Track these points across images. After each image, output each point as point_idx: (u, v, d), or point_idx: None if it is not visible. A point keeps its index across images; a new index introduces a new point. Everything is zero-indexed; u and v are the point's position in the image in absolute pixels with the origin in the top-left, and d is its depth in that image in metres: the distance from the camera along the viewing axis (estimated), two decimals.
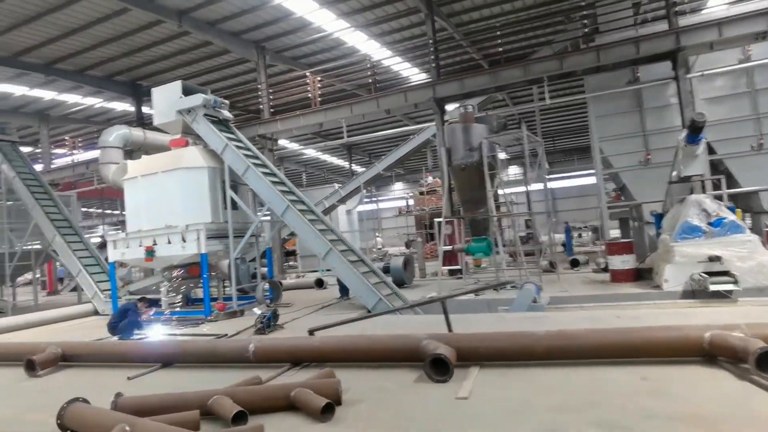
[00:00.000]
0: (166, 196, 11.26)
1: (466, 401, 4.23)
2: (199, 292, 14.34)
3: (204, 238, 10.68)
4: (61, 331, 11.08)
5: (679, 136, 10.03)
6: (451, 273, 15.16)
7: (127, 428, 3.62)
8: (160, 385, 5.62)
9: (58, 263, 22.83)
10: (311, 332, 6.38)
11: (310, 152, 37.52)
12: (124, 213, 38.03)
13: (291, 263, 28.02)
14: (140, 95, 21.79)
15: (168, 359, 6.34)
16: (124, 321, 8.50)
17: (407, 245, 34.03)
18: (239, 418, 3.95)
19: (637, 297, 8.92)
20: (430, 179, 34.19)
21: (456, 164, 11.90)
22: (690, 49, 12.46)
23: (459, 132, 12.04)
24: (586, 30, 14.15)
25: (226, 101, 12.14)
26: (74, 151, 27.05)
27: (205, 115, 11.58)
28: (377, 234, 35.94)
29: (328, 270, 21.96)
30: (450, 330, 5.65)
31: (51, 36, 16.52)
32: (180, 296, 12.77)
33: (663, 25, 13.37)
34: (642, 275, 10.68)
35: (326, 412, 4.00)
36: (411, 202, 35.64)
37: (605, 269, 12.55)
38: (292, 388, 4.34)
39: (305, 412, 4.15)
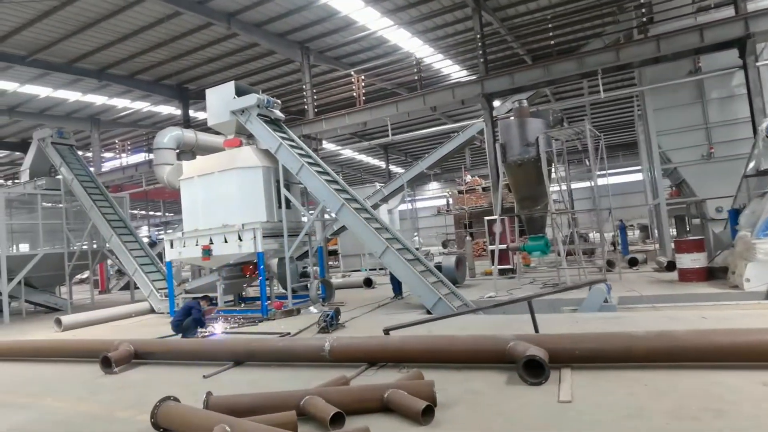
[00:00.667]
0: (222, 195, 11.36)
1: (570, 405, 4.01)
2: (251, 291, 14.50)
3: (261, 237, 10.71)
4: (122, 328, 11.29)
5: (760, 126, 9.48)
6: (502, 272, 14.83)
7: (228, 429, 3.53)
8: (237, 383, 5.58)
9: (109, 263, 23.52)
10: (387, 332, 6.24)
11: (347, 153, 37.57)
12: (167, 214, 38.90)
13: (331, 263, 28.09)
14: (186, 98, 22.18)
15: (240, 357, 6.31)
16: (187, 319, 8.56)
17: (444, 245, 33.71)
18: (336, 420, 3.83)
19: (716, 297, 8.45)
20: (468, 178, 33.78)
21: (512, 160, 11.59)
22: (760, 35, 11.81)
23: (514, 127, 11.73)
24: (645, 19, 13.58)
25: (278, 101, 12.17)
26: (122, 155, 27.81)
27: (258, 114, 11.62)
28: (415, 233, 35.71)
29: (372, 269, 22.02)
30: (536, 331, 5.41)
31: (105, 42, 16.93)
32: (232, 295, 12.92)
33: (727, 12, 12.74)
34: (714, 274, 10.16)
35: (426, 414, 3.84)
36: (450, 201, 35.23)
37: (669, 268, 12.03)
38: (385, 389, 4.19)
39: (402, 414, 4.00)
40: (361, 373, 5.43)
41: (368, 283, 14.72)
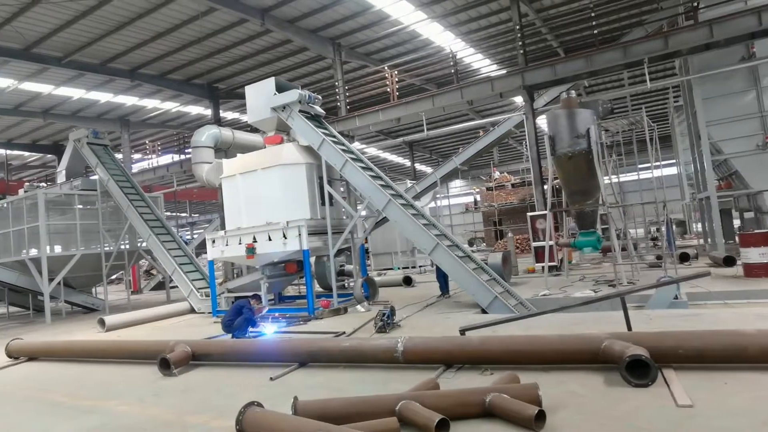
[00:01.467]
0: (265, 193, 11.17)
1: (693, 410, 3.66)
2: (290, 290, 14.32)
3: (306, 235, 10.49)
4: (165, 329, 11.16)
5: None
6: (549, 270, 14.40)
7: None
8: (308, 386, 5.33)
9: (140, 263, 23.62)
10: (463, 332, 5.93)
11: (371, 151, 37.32)
12: (193, 215, 39.04)
13: None
14: (217, 98, 22.15)
15: (304, 358, 6.07)
16: (239, 318, 8.35)
17: (470, 243, 33.21)
18: (440, 427, 3.54)
19: None
20: (497, 174, 33.25)
21: (561, 153, 11.15)
22: None
23: (563, 118, 11.27)
24: (695, 3, 13.02)
25: (319, 97, 11.93)
26: (150, 156, 27.97)
27: (299, 111, 11.40)
28: None
29: (404, 267, 21.71)
30: (629, 328, 5.05)
31: (138, 41, 16.94)
32: (272, 294, 12.75)
33: None
34: None
35: (537, 420, 3.53)
36: (477, 198, 34.74)
37: (728, 263, 11.51)
38: (485, 392, 3.89)
39: (508, 419, 3.70)
40: (440, 375, 5.14)
41: (408, 281, 14.41)
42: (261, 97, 11.84)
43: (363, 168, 10.87)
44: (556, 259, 14.44)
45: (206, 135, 13.71)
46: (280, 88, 11.74)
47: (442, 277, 11.66)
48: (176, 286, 14.55)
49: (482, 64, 23.42)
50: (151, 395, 5.57)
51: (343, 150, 11.08)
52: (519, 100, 25.67)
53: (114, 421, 4.85)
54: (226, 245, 11.74)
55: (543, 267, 14.40)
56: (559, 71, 14.40)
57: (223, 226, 21.50)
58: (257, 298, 8.88)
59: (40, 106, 21.99)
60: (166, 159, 28.00)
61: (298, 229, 10.56)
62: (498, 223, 31.70)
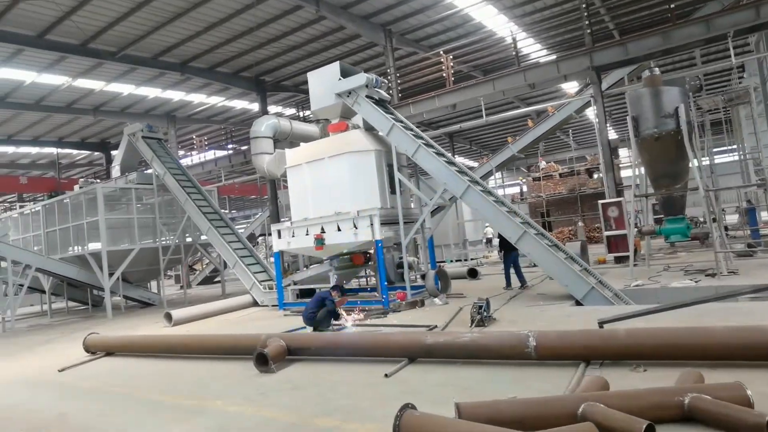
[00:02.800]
0: (334, 181, 10.73)
1: None
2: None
3: (378, 224, 10.01)
4: (232, 322, 10.87)
5: None
6: (618, 260, 13.61)
7: None
8: (433, 384, 4.85)
9: (191, 257, 23.63)
10: (601, 324, 5.34)
11: None
12: (232, 211, 38.97)
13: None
14: (264, 91, 21.90)
15: (416, 353, 5.58)
16: (321, 310, 7.94)
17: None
18: None
19: None
20: (543, 164, 32.23)
21: (647, 134, 10.39)
22: None
23: (648, 97, 10.51)
24: None
25: (385, 81, 11.42)
26: (192, 152, 28.07)
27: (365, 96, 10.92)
28: (486, 223, 34.46)
29: (458, 260, 21.14)
30: None
31: (189, 33, 16.73)
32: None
33: None
34: None
35: None
36: (524, 188, 33.80)
37: None
38: (682, 393, 3.31)
39: (721, 427, 3.11)
40: (583, 373, 4.57)
41: (473, 273, 13.81)
42: (324, 83, 11.40)
43: (436, 154, 10.34)
44: (630, 250, 13.66)
45: (265, 125, 13.39)
46: (345, 73, 11.28)
47: (513, 268, 11.28)
48: (236, 279, 14.35)
49: (532, 49, 22.51)
50: (257, 394, 5.16)
51: (414, 136, 10.56)
52: (567, 86, 24.91)
53: (231, 422, 4.44)
54: (293, 236, 11.39)
55: (615, 258, 13.69)
56: (631, 50, 13.51)
57: (276, 219, 21.35)
58: (338, 289, 8.44)
59: (91, 104, 22.12)
60: (209, 155, 28.08)
61: (370, 219, 10.09)
62: (546, 215, 30.70)
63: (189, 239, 16.51)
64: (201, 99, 23.60)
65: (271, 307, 12.42)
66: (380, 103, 11.37)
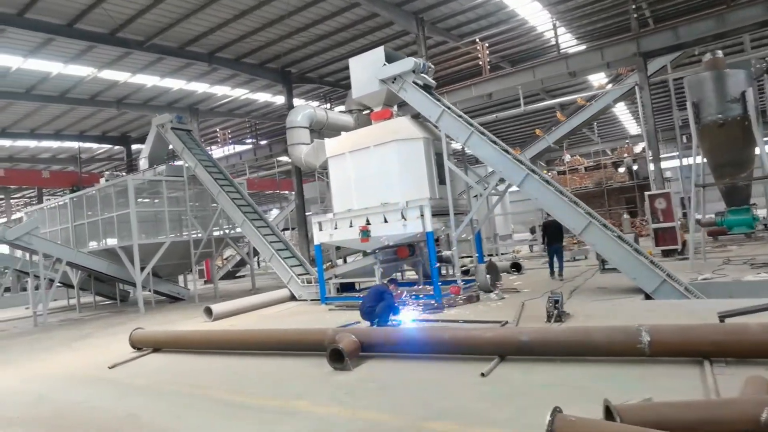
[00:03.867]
0: (380, 171, 10.32)
1: None
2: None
3: (429, 215, 9.59)
4: (275, 317, 10.50)
5: None
6: (666, 254, 13.11)
7: None
8: (537, 384, 4.44)
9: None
10: (722, 318, 4.89)
11: None
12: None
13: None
14: (290, 82, 21.47)
15: (505, 350, 5.15)
16: (381, 304, 7.52)
17: (532, 231, 31.66)
18: None
19: None
20: (568, 157, 31.60)
21: (710, 120, 9.86)
22: None
23: (711, 82, 9.97)
24: None
25: (432, 66, 10.97)
26: (213, 146, 27.73)
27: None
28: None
29: (489, 255, 20.59)
30: None
31: (218, 21, 16.32)
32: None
33: None
34: None
35: None
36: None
37: None
38: None
39: None
40: (712, 371, 4.12)
41: (517, 267, 13.33)
42: (368, 68, 10.97)
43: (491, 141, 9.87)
44: (679, 242, 13.15)
45: (302, 115, 13.01)
46: (389, 58, 10.84)
47: (555, 259, 11.57)
48: (261, 274, 13.99)
49: (563, 39, 21.88)
50: (344, 394, 4.75)
51: (466, 122, 10.11)
52: (594, 77, 24.27)
53: (330, 427, 4.04)
54: (335, 228, 10.99)
55: (663, 251, 13.18)
56: (681, 34, 12.99)
57: (302, 213, 20.97)
58: (394, 282, 8.03)
59: (115, 96, 21.81)
60: (231, 148, 27.76)
61: (420, 209, 9.67)
62: None
63: (218, 232, 16.15)
64: (225, 91, 23.23)
65: (310, 301, 12.04)
66: (426, 89, 10.94)
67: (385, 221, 10.14)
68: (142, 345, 8.04)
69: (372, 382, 5.07)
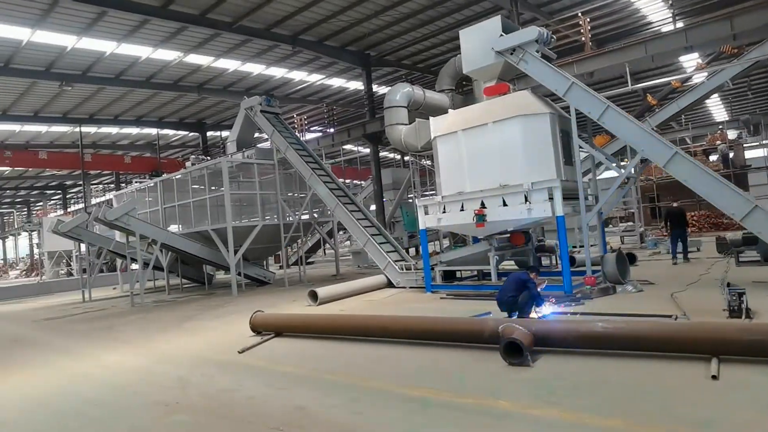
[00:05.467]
0: (498, 150, 9.58)
1: None
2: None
3: (560, 198, 8.77)
4: (381, 302, 10.03)
5: None
6: None
7: None
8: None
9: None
10: None
11: None
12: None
13: None
14: (369, 65, 20.99)
15: (719, 349, 4.35)
16: (524, 294, 6.82)
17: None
18: None
19: None
20: None
21: None
22: None
23: None
24: None
25: (554, 36, 10.07)
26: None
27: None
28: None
29: (574, 247, 19.45)
30: None
31: (302, 3, 16.03)
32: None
33: None
34: None
35: None
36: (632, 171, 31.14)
37: None
38: None
39: None
40: None
41: (631, 258, 12.26)
42: (482, 40, 10.19)
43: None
44: None
45: (400, 94, 12.40)
46: (506, 29, 10.03)
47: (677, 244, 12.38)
48: (331, 261, 13.56)
49: (660, 16, 20.24)
50: (546, 393, 4.11)
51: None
52: (685, 58, 22.38)
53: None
54: (444, 212, 10.35)
55: None
56: None
57: (380, 199, 20.52)
58: (535, 270, 7.29)
59: (196, 81, 22.06)
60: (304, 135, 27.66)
61: (549, 192, 8.87)
62: (656, 199, 28.22)
63: (306, 216, 15.87)
64: (302, 77, 23.08)
65: (409, 288, 11.51)
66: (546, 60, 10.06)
67: (504, 204, 9.41)
68: (262, 329, 7.71)
69: (560, 380, 4.40)
